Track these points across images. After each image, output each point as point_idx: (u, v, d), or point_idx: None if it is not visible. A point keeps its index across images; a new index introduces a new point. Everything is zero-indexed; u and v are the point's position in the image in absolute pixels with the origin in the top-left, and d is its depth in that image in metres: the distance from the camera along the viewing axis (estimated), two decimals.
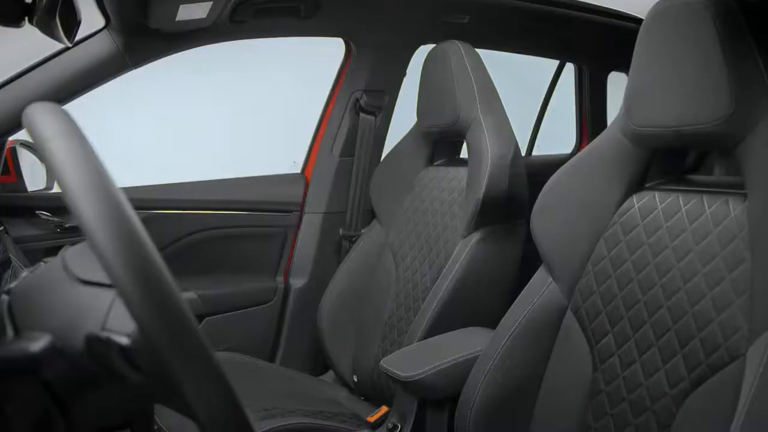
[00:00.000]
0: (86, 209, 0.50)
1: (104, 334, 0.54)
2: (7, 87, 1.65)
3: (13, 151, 1.86)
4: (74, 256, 0.68)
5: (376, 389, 1.88)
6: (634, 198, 1.22)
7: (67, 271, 0.64)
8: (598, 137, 1.30)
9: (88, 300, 0.59)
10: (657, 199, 1.19)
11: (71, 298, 0.60)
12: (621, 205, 1.23)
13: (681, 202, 1.15)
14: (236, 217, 2.14)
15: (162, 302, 0.50)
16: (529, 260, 1.48)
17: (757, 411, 0.89)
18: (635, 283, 1.16)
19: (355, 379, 1.97)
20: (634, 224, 1.20)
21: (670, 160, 1.22)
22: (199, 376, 0.52)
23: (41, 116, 0.58)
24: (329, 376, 2.14)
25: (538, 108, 2.84)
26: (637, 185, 1.23)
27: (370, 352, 1.92)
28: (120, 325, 0.55)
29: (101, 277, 0.61)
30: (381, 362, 1.47)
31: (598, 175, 1.26)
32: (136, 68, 1.76)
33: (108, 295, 0.59)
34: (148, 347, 0.52)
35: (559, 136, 2.88)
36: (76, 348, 0.55)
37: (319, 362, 2.18)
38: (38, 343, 0.49)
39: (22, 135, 1.79)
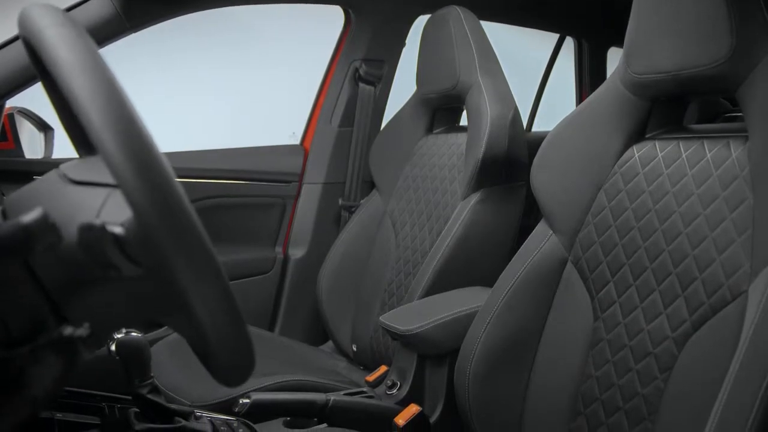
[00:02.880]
0: (80, 85, 0.50)
1: (98, 221, 0.53)
2: (4, 49, 1.64)
3: (11, 118, 1.85)
4: (70, 166, 0.67)
5: (374, 358, 1.87)
6: (635, 148, 1.21)
7: (62, 177, 0.64)
8: (598, 89, 1.29)
9: (82, 196, 0.58)
10: (657, 147, 1.18)
11: (65, 196, 0.59)
12: (621, 155, 1.23)
13: (681, 149, 1.14)
14: (235, 187, 2.13)
15: (156, 179, 0.50)
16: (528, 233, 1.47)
17: (759, 341, 0.88)
18: (636, 230, 1.16)
19: (354, 348, 1.96)
20: (634, 173, 1.19)
21: (670, 111, 1.22)
22: (195, 262, 0.52)
23: (35, 10, 0.58)
24: (328, 346, 2.14)
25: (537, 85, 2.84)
26: (637, 136, 1.22)
27: (369, 321, 1.92)
28: (114, 217, 0.55)
29: (96, 177, 0.61)
30: (380, 318, 1.46)
31: (598, 126, 1.25)
32: (134, 32, 1.75)
33: (102, 192, 0.58)
34: (143, 233, 0.52)
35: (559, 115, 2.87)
36: (69, 241, 0.55)
37: (318, 332, 2.17)
38: (30, 215, 0.49)
39: (18, 102, 1.78)
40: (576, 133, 1.29)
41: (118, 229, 0.53)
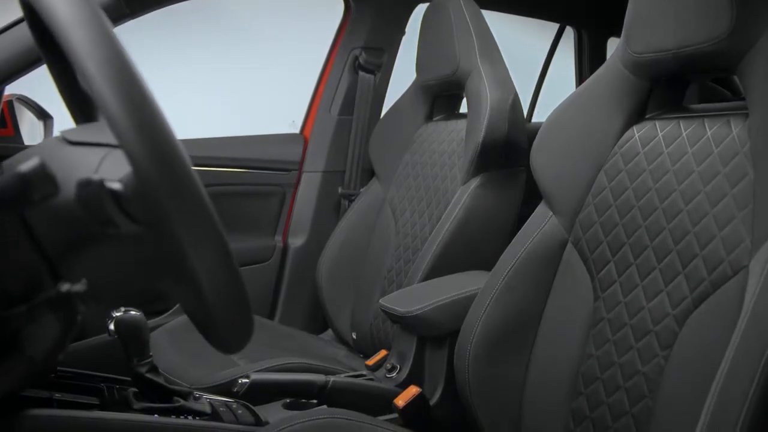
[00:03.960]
0: (80, 38, 0.49)
1: (96, 176, 0.53)
2: (4, 34, 1.63)
3: (11, 105, 1.84)
4: (69, 131, 0.67)
5: (374, 345, 1.87)
6: (635, 128, 1.21)
7: (61, 140, 0.63)
8: (598, 70, 1.29)
9: (81, 155, 0.58)
10: (657, 127, 1.18)
11: (63, 155, 0.59)
12: (621, 136, 1.22)
13: (682, 128, 1.14)
14: (235, 175, 2.13)
15: (156, 132, 0.49)
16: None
17: (759, 314, 0.88)
18: (636, 209, 1.16)
19: (354, 336, 1.96)
20: (634, 153, 1.19)
21: (670, 91, 1.22)
22: (194, 217, 0.51)
23: None
24: (328, 334, 2.14)
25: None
26: (637, 116, 1.22)
27: (369, 308, 1.91)
28: (112, 173, 0.54)
29: (95, 138, 0.60)
30: (380, 301, 1.46)
31: (597, 107, 1.25)
32: (133, 17, 1.74)
33: (101, 151, 0.58)
34: (142, 188, 0.52)
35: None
36: (67, 198, 0.54)
37: (318, 321, 2.17)
38: (27, 164, 0.48)
39: (17, 89, 1.78)
40: (576, 115, 1.28)
41: (116, 185, 0.53)
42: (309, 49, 2.35)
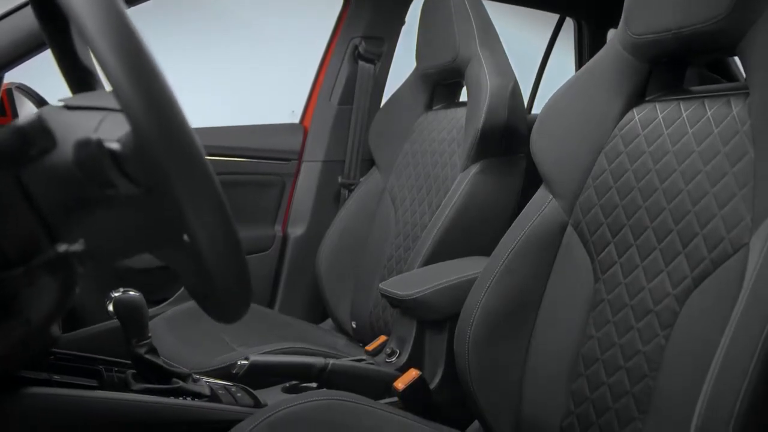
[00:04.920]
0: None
1: (95, 136, 0.52)
2: (4, 20, 1.63)
3: (10, 94, 1.84)
4: (67, 98, 0.66)
5: (374, 334, 1.86)
6: (635, 110, 1.21)
7: (59, 106, 0.63)
8: (598, 53, 1.29)
9: (79, 117, 0.58)
10: (657, 109, 1.18)
11: (62, 118, 0.59)
12: (621, 118, 1.22)
13: (682, 109, 1.14)
14: (234, 165, 2.13)
15: (155, 90, 0.49)
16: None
17: (759, 290, 0.88)
18: (636, 191, 1.15)
19: (354, 326, 1.96)
20: (634, 135, 1.19)
21: (669, 73, 1.21)
22: (193, 178, 0.51)
23: None
24: (328, 324, 2.14)
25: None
26: (637, 98, 1.22)
27: (369, 297, 1.91)
28: (111, 134, 0.54)
29: (93, 103, 0.60)
30: (380, 285, 1.46)
31: (597, 90, 1.25)
32: (132, 5, 1.74)
33: (99, 114, 0.58)
34: (140, 148, 0.51)
35: None
36: (65, 159, 0.54)
37: (317, 310, 2.17)
38: (25, 118, 0.48)
39: (15, 77, 1.77)
40: (576, 98, 1.28)
41: (114, 145, 0.52)
42: (309, 38, 2.35)
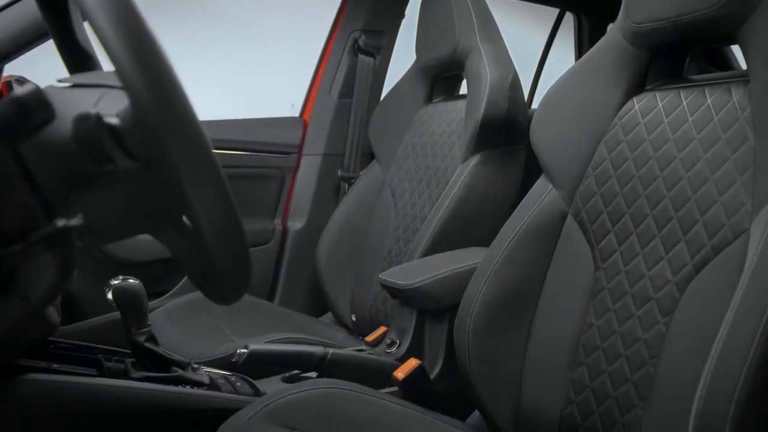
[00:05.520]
0: None
1: (94, 110, 0.52)
2: (4, 11, 1.62)
3: (9, 86, 1.84)
4: (66, 78, 0.66)
5: (374, 327, 1.86)
6: (635, 100, 1.21)
7: (58, 84, 0.63)
8: (598, 43, 1.29)
9: (78, 94, 0.58)
10: (657, 97, 1.18)
11: (61, 94, 0.58)
12: (621, 108, 1.22)
13: (682, 97, 1.14)
14: (234, 158, 2.12)
15: (154, 63, 0.49)
16: None
17: (760, 275, 0.87)
18: (636, 179, 1.15)
19: (354, 319, 1.96)
20: (634, 124, 1.19)
21: (669, 62, 1.21)
22: (192, 152, 0.51)
23: None
24: (328, 317, 2.13)
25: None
26: (637, 88, 1.22)
27: (368, 290, 1.91)
28: (110, 109, 0.54)
29: (92, 81, 0.60)
30: (380, 275, 1.46)
31: (597, 79, 1.25)
32: None
33: (98, 91, 0.57)
34: (140, 122, 0.51)
35: None
36: (64, 135, 0.54)
37: (317, 304, 2.17)
38: (23, 89, 0.48)
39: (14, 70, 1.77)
40: (576, 88, 1.28)
41: (114, 120, 0.52)
42: (308, 31, 2.34)
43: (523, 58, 2.78)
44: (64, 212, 0.57)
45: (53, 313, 0.92)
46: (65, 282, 0.58)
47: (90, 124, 0.52)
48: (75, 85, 0.60)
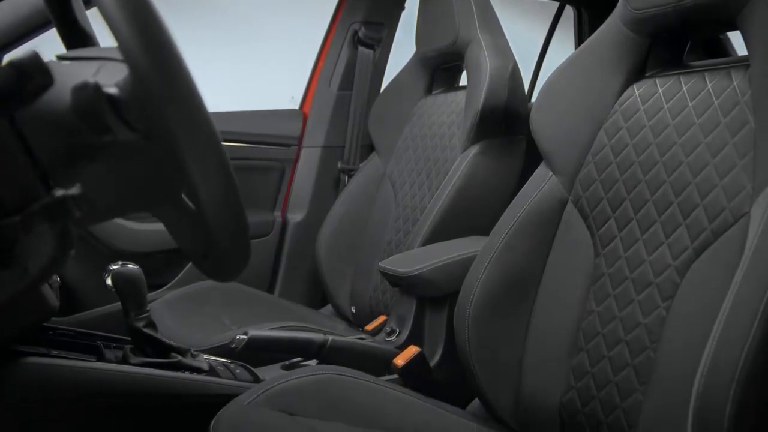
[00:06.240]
0: None
1: (92, 80, 0.52)
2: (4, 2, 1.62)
3: None
4: (65, 53, 0.66)
5: (373, 318, 1.86)
6: (635, 86, 1.21)
7: (57, 60, 0.63)
8: (598, 30, 1.28)
9: (77, 66, 0.57)
10: (657, 84, 1.17)
11: (59, 67, 0.58)
12: (621, 94, 1.22)
13: (682, 82, 1.13)
14: (233, 150, 2.12)
15: (153, 31, 0.49)
16: None
17: (760, 257, 0.87)
18: (636, 165, 1.15)
19: (353, 311, 1.96)
20: (634, 110, 1.18)
21: (669, 48, 1.21)
22: (192, 121, 0.51)
23: None
24: (328, 309, 2.13)
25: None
26: (637, 74, 1.22)
27: (368, 282, 1.91)
28: (109, 80, 0.54)
29: (90, 54, 0.60)
30: (380, 264, 1.46)
31: (597, 66, 1.25)
32: None
33: (97, 63, 0.57)
34: (138, 91, 0.51)
35: None
36: (63, 106, 0.54)
37: (317, 296, 2.17)
38: (21, 54, 0.47)
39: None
40: (576, 75, 1.28)
41: (113, 90, 0.52)
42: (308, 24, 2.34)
43: (523, 53, 2.78)
44: (62, 183, 0.56)
45: (52, 296, 0.92)
46: (64, 255, 0.57)
47: (89, 93, 0.52)
48: (74, 59, 0.60)
